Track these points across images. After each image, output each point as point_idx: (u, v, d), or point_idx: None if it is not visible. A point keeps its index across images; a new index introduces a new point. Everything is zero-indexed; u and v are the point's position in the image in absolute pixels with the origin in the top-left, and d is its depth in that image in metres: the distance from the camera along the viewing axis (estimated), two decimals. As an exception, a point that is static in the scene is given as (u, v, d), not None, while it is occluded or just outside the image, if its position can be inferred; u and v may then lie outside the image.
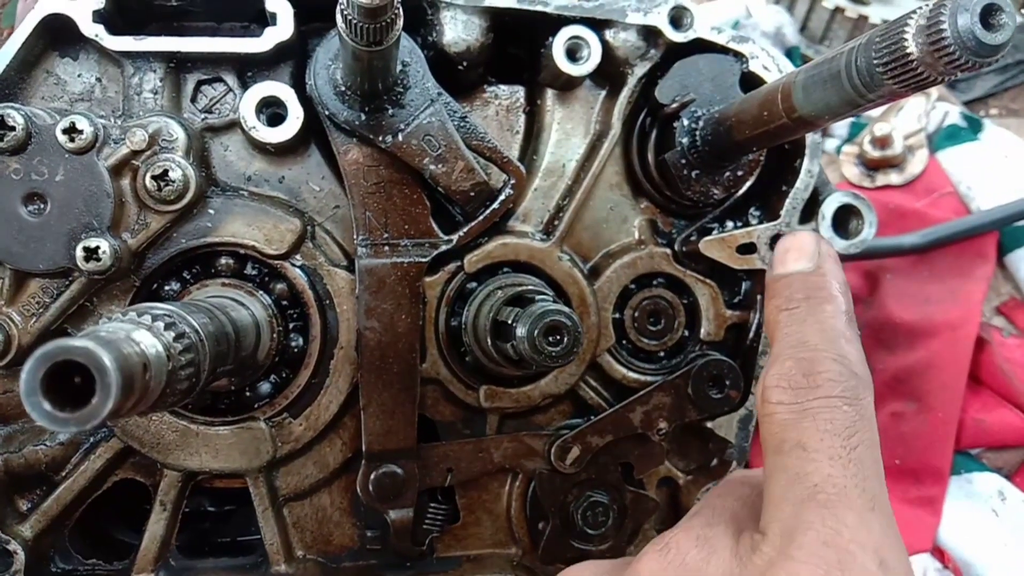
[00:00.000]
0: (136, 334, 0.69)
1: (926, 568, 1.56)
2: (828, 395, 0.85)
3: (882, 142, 2.08)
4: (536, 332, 1.00)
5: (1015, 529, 1.60)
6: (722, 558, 0.80)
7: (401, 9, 0.91)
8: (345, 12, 0.88)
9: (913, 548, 1.58)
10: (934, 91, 2.20)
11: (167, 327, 0.75)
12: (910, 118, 2.15)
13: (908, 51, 0.79)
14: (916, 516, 1.65)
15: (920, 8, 0.78)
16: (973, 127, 2.12)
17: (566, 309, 1.02)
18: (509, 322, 1.07)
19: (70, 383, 0.64)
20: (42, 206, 1.08)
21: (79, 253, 1.06)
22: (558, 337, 1.00)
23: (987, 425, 1.71)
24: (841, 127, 2.21)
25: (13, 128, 1.06)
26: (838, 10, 2.21)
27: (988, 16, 0.73)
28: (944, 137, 2.12)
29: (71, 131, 1.07)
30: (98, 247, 1.06)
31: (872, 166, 2.11)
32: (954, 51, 0.74)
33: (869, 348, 1.84)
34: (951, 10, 0.74)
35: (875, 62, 0.83)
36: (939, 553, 1.61)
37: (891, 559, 0.74)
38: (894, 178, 2.09)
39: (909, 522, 1.63)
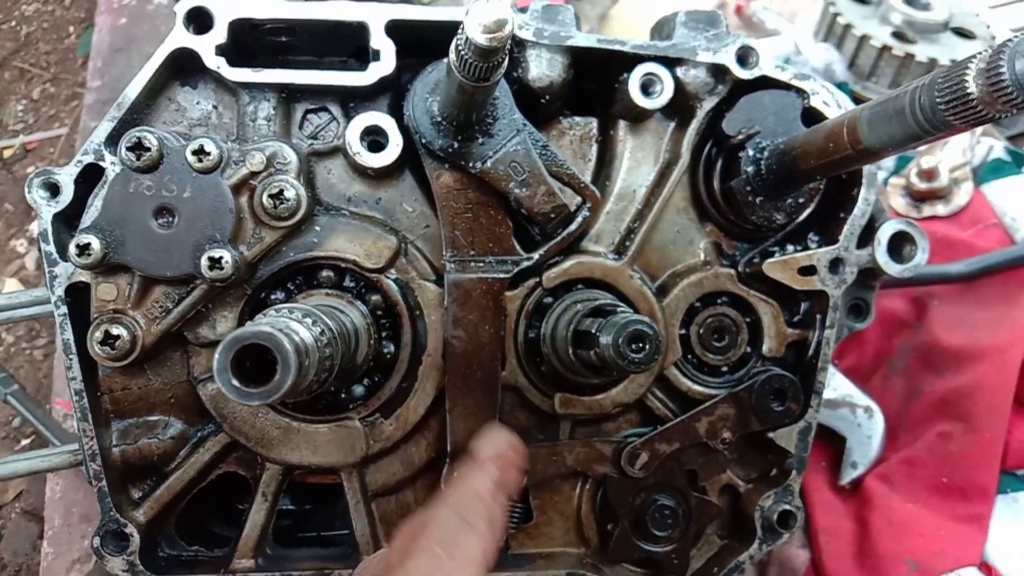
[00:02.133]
0: (293, 325, 0.80)
1: (974, 582, 1.62)
2: (428, 537, 0.93)
3: (928, 175, 2.17)
4: (620, 340, 1.09)
5: (1060, 547, 1.66)
6: None
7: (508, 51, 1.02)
8: (461, 50, 0.98)
9: (961, 562, 1.64)
10: (979, 127, 2.28)
11: (313, 323, 0.86)
12: (955, 152, 2.23)
13: (969, 91, 0.88)
14: (963, 532, 1.71)
15: (980, 53, 0.88)
16: (1017, 161, 2.20)
17: (647, 319, 1.11)
18: (593, 331, 1.17)
19: (243, 366, 0.75)
20: (171, 219, 1.20)
21: (204, 262, 1.18)
22: (641, 344, 1.10)
23: (1033, 446, 1.77)
24: (888, 160, 2.30)
25: (149, 149, 1.19)
26: (885, 48, 2.30)
27: (1043, 61, 0.83)
28: (989, 170, 2.20)
29: (200, 152, 1.20)
30: (221, 257, 1.18)
31: (919, 197, 2.19)
32: (1012, 91, 0.84)
33: (917, 371, 1.92)
34: (1009, 55, 0.83)
35: (938, 100, 0.92)
36: (986, 568, 1.67)
37: None
38: (940, 209, 2.17)
39: (957, 538, 1.69)
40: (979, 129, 2.28)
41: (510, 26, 0.90)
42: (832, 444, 1.90)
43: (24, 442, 2.82)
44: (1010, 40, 0.84)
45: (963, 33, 2.43)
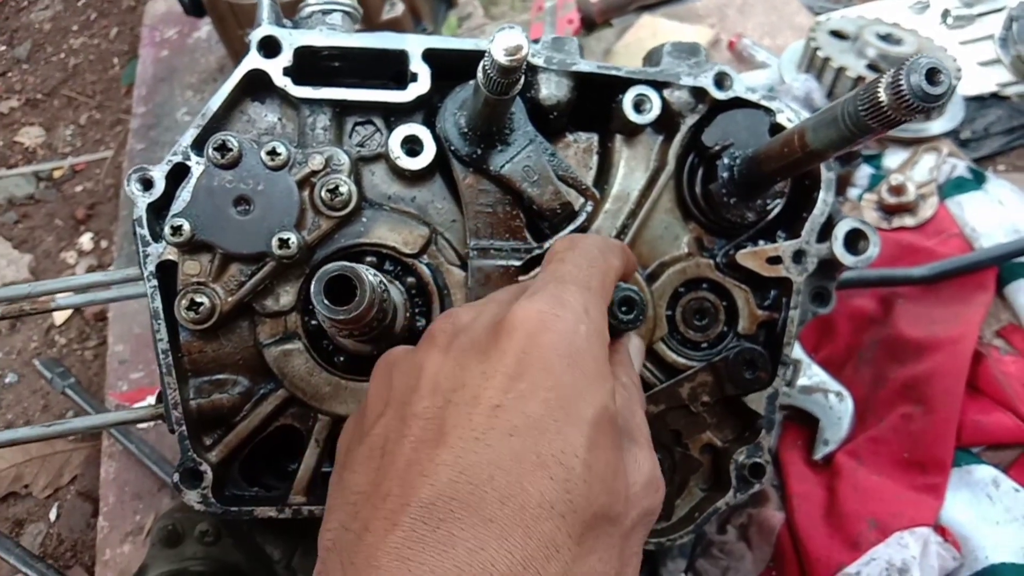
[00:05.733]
0: (360, 269, 1.06)
1: (928, 540, 1.84)
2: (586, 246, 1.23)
3: (897, 190, 2.43)
4: (612, 305, 1.34)
5: (1006, 511, 1.89)
6: (490, 309, 1.08)
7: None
8: (487, 69, 1.25)
9: (916, 522, 1.86)
10: (945, 148, 2.54)
11: (374, 274, 1.12)
12: (923, 171, 2.49)
13: (881, 99, 1.13)
14: (922, 499, 1.93)
15: (889, 70, 1.14)
16: (977, 179, 2.46)
17: (635, 287, 1.36)
18: (591, 300, 1.42)
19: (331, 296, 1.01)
20: (248, 207, 1.47)
21: (275, 242, 1.44)
22: (630, 308, 1.35)
23: (984, 425, 2.00)
24: (862, 179, 2.56)
25: (231, 149, 1.46)
26: (860, 78, 2.57)
27: (932, 76, 1.08)
28: (952, 187, 2.46)
29: (272, 153, 1.47)
30: (289, 238, 1.44)
31: (889, 211, 2.45)
32: (909, 99, 1.09)
33: (883, 361, 2.16)
34: (907, 71, 1.09)
35: (859, 107, 1.18)
36: (940, 530, 1.89)
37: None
38: (908, 221, 2.43)
39: (916, 504, 1.92)
40: (945, 150, 2.54)
41: (526, 50, 1.17)
42: (807, 426, 2.14)
43: (76, 434, 3.06)
44: (908, 59, 1.10)
45: (931, 66, 2.70)
